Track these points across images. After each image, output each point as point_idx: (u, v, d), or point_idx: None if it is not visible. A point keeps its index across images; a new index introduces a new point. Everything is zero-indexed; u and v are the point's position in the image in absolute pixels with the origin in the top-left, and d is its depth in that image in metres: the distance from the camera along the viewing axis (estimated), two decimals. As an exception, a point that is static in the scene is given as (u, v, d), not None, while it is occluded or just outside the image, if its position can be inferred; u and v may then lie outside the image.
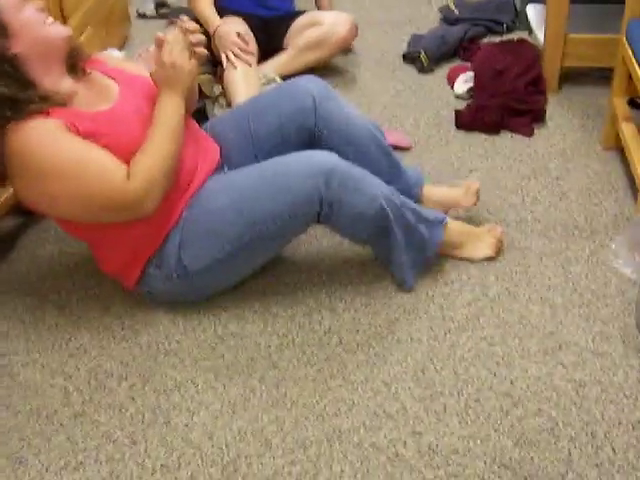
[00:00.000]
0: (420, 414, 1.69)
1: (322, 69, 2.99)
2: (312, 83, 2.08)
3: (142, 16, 3.62)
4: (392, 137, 2.51)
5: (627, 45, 2.32)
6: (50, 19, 1.76)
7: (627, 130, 2.36)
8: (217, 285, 1.97)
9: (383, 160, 2.10)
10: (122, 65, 2.02)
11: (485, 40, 3.25)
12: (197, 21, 2.79)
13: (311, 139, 2.04)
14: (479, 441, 1.62)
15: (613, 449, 1.59)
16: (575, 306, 1.95)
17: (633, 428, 1.63)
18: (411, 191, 2.14)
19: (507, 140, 2.64)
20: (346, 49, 3.13)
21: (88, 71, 1.86)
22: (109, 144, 1.74)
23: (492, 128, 2.67)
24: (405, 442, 1.63)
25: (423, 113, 2.81)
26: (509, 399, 1.71)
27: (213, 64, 2.91)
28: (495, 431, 1.64)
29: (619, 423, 1.65)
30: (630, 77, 2.34)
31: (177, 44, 1.80)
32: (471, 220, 2.21)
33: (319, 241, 2.20)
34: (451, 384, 1.75)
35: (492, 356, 1.82)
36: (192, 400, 1.74)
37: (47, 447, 1.64)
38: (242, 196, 1.85)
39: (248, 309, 1.99)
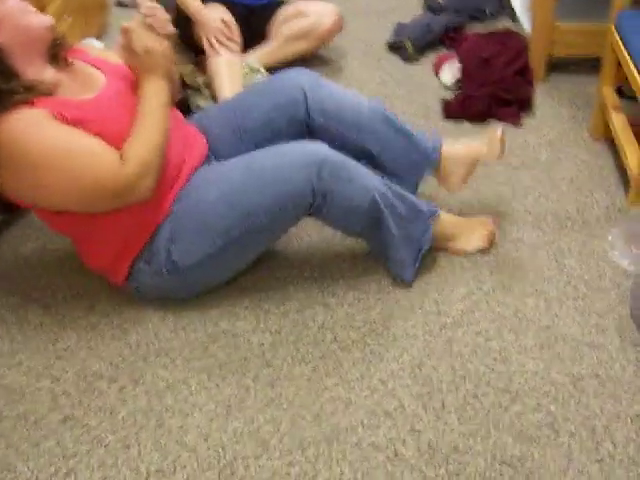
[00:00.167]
0: (419, 412, 1.66)
1: (306, 59, 2.94)
2: (302, 75, 2.04)
3: (121, 4, 3.55)
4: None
5: (616, 34, 2.30)
6: (32, 8, 1.70)
7: (617, 120, 2.34)
8: (208, 281, 1.93)
9: (392, 134, 2.05)
10: (104, 55, 1.98)
11: (471, 29, 3.21)
12: (179, 9, 2.75)
13: (304, 130, 2.00)
14: (479, 438, 1.60)
15: (613, 443, 1.58)
16: (570, 298, 1.94)
17: (632, 422, 1.62)
18: (430, 158, 2.08)
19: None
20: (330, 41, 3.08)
21: (70, 61, 1.81)
22: (98, 132, 1.70)
23: (480, 117, 2.64)
24: (404, 441, 1.60)
25: (411, 103, 2.77)
26: (507, 395, 1.69)
27: (195, 53, 2.85)
28: (495, 428, 1.62)
29: (618, 417, 1.63)
30: (619, 65, 2.32)
31: (143, 29, 1.77)
32: (462, 212, 2.18)
33: (310, 235, 2.16)
34: (449, 380, 1.73)
35: (489, 351, 1.80)
36: (185, 401, 1.70)
37: (36, 453, 1.59)
38: (232, 189, 1.81)
39: (239, 306, 1.94)
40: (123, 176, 1.68)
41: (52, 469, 1.56)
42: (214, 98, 2.66)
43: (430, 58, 3.05)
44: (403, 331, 1.86)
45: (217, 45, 2.69)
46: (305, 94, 2.00)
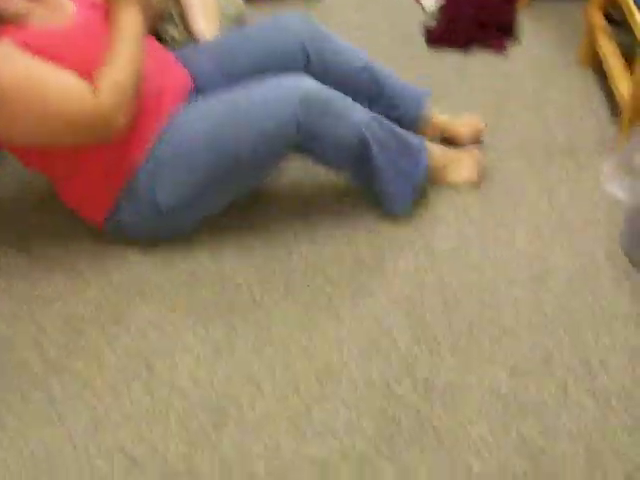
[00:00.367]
0: (412, 348, 1.64)
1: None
2: (300, 24, 1.95)
3: None
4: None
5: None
6: None
7: (606, 46, 2.28)
8: (191, 221, 1.87)
9: (378, 93, 2.02)
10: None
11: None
12: None
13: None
14: (473, 373, 1.58)
15: (609, 375, 1.57)
16: (561, 230, 1.91)
17: (627, 354, 1.61)
18: (412, 119, 2.07)
19: (481, 59, 2.55)
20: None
21: None
22: (69, 62, 1.64)
23: (463, 43, 2.58)
24: (399, 378, 1.58)
25: (393, 31, 2.68)
26: (501, 329, 1.67)
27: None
28: (489, 362, 1.60)
29: (613, 349, 1.62)
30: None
31: None
32: (449, 143, 2.13)
33: (295, 171, 2.10)
34: (441, 315, 1.70)
35: (480, 285, 1.77)
36: (173, 343, 1.65)
37: (24, 402, 1.55)
38: (215, 126, 1.74)
39: (224, 244, 1.89)
40: (96, 106, 1.62)
41: (41, 417, 1.52)
42: (188, 31, 2.55)
43: (411, -16, 2.95)
44: (394, 267, 1.82)
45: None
46: (305, 48, 1.93)
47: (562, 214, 1.95)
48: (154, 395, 1.55)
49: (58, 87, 1.60)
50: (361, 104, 1.96)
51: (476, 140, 2.13)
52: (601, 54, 2.28)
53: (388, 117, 2.02)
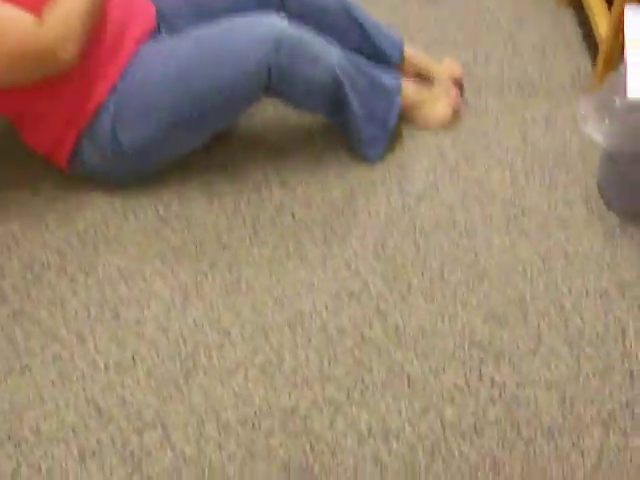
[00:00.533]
0: (384, 293, 1.61)
1: None
2: None
3: None
4: None
5: None
6: None
7: (584, -21, 2.21)
8: (155, 164, 1.81)
9: (354, 31, 1.94)
10: None
11: None
12: None
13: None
14: (447, 319, 1.56)
15: (582, 320, 1.56)
16: (535, 170, 1.87)
17: (600, 298, 1.60)
18: (387, 57, 1.99)
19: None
20: None
21: None
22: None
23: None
24: (370, 323, 1.55)
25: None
26: (474, 273, 1.65)
27: None
28: (462, 308, 1.58)
29: (586, 294, 1.61)
30: None
31: None
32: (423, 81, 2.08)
33: (266, 113, 2.03)
34: (414, 259, 1.67)
35: (454, 227, 1.74)
36: (140, 291, 1.61)
37: (-15, 350, 1.51)
38: (182, 65, 1.66)
39: (191, 187, 1.84)
40: (39, 37, 1.54)
41: (6, 367, 1.48)
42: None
43: None
44: (365, 209, 1.78)
45: None
46: None
47: (537, 154, 1.91)
48: (122, 344, 1.51)
49: (1, 22, 1.52)
50: (337, 41, 1.88)
51: (456, 86, 2.07)
52: (579, -12, 2.22)
53: (363, 54, 1.94)
